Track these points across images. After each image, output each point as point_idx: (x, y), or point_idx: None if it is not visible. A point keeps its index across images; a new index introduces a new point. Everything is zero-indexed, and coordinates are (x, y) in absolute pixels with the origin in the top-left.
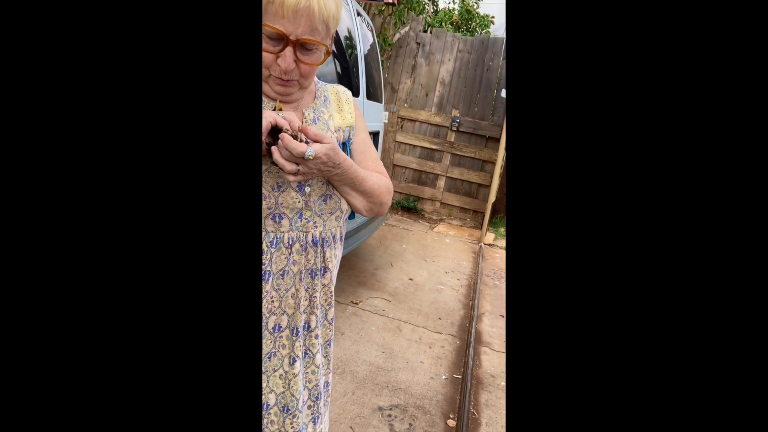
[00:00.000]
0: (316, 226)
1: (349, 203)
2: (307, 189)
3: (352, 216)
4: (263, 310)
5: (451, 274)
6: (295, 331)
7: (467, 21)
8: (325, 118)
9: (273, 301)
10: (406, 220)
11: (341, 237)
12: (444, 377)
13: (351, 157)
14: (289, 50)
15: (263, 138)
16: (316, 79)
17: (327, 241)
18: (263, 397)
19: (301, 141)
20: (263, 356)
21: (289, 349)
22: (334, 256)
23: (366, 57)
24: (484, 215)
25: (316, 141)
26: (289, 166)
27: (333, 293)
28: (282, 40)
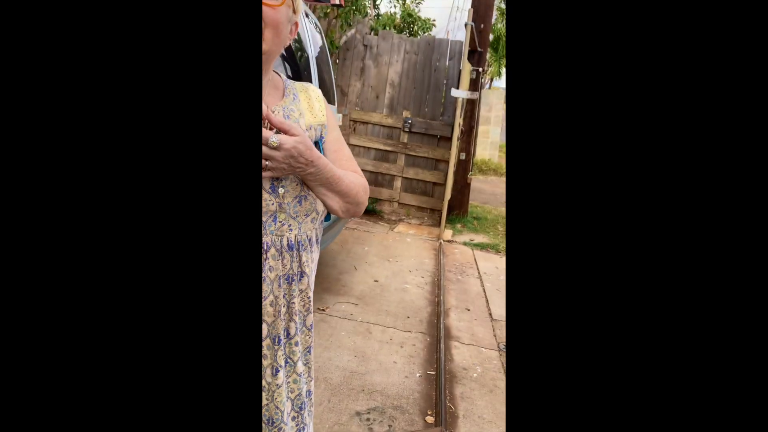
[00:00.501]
0: (291, 230)
1: (325, 204)
2: (281, 190)
3: (328, 218)
4: None
5: (415, 273)
6: (276, 340)
7: (409, 24)
8: (296, 117)
9: None
10: (366, 222)
11: (317, 240)
12: (418, 375)
13: (325, 155)
14: None
15: None
16: (284, 77)
17: (303, 245)
18: None
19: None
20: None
21: (270, 359)
22: (311, 260)
23: (317, 60)
24: (441, 213)
25: (283, 131)
26: None
27: (311, 299)
28: None
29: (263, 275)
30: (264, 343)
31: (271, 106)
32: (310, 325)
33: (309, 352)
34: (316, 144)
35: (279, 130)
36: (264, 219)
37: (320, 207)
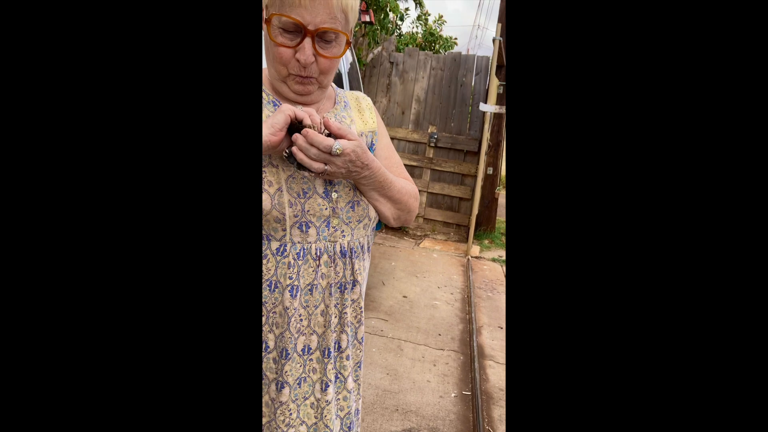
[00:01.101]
0: (344, 236)
1: (377, 210)
2: (334, 195)
3: (378, 226)
4: (292, 330)
5: (444, 289)
6: (326, 353)
7: (431, 43)
8: (347, 123)
9: (301, 320)
10: (392, 238)
11: (368, 247)
12: (453, 395)
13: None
14: (308, 42)
15: (281, 138)
16: (333, 85)
17: (355, 252)
18: (293, 429)
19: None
20: (292, 380)
21: (320, 373)
22: (363, 268)
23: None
24: (468, 228)
25: (339, 137)
26: (316, 165)
27: (363, 309)
28: (300, 31)
29: (315, 282)
30: (313, 356)
31: (323, 113)
32: (362, 338)
33: (359, 367)
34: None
35: (336, 136)
36: (317, 224)
37: (372, 213)
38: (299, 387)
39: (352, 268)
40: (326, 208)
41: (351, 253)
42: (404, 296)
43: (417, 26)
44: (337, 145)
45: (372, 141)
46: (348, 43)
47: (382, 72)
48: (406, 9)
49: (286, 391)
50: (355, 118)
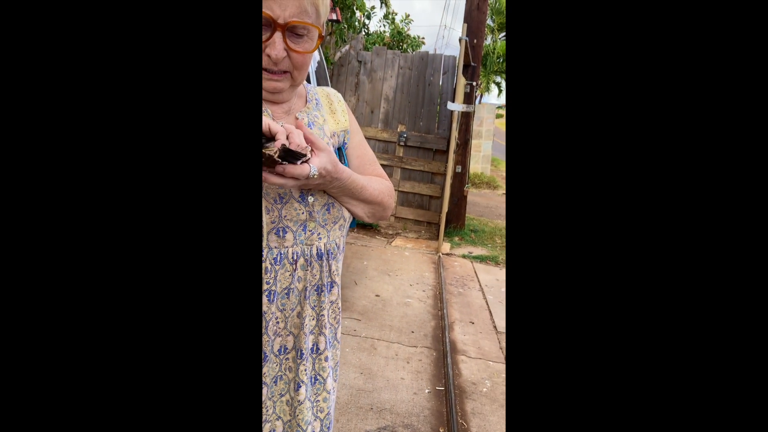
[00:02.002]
0: (320, 238)
1: (350, 211)
2: (310, 199)
3: (353, 224)
4: (269, 333)
5: (416, 287)
6: (299, 353)
7: (399, 42)
8: (320, 123)
9: (278, 322)
10: (363, 237)
11: (343, 247)
12: (427, 391)
13: (348, 161)
14: (278, 36)
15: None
16: (304, 82)
17: (332, 253)
18: (269, 424)
19: (299, 150)
20: (269, 380)
21: (295, 372)
22: (339, 268)
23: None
24: (438, 226)
25: (311, 145)
26: (291, 184)
27: (340, 309)
28: (270, 26)
29: (291, 286)
30: (289, 356)
31: (296, 112)
32: (339, 338)
33: (337, 367)
34: (339, 150)
35: (307, 144)
36: (294, 228)
37: (347, 214)
38: (275, 385)
39: (329, 269)
40: (303, 213)
41: (328, 255)
42: (377, 295)
43: (384, 25)
44: (314, 170)
45: (344, 140)
46: (320, 38)
47: (351, 71)
48: (372, 7)
49: (263, 390)
50: (327, 117)
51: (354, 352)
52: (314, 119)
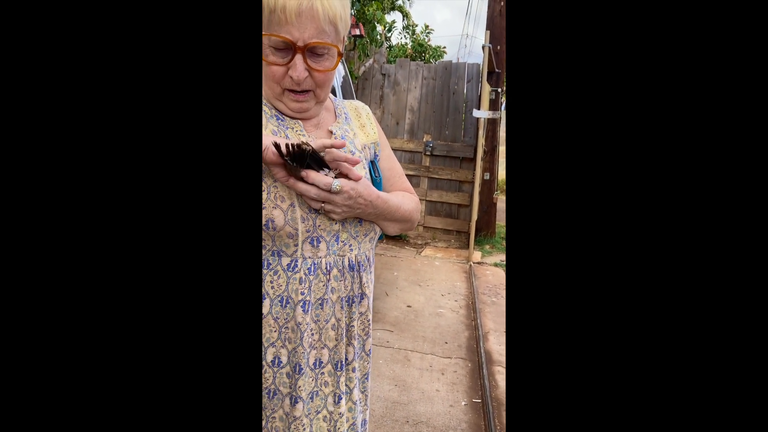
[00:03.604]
0: (351, 249)
1: (380, 227)
2: None
3: (381, 236)
4: (304, 344)
5: (448, 296)
6: (339, 365)
7: (420, 54)
8: (350, 137)
9: (313, 334)
10: (392, 247)
11: (373, 259)
12: (463, 403)
13: (380, 174)
14: (299, 58)
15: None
16: (332, 96)
17: (363, 265)
18: None
19: (331, 165)
20: (305, 395)
21: (332, 386)
22: (370, 281)
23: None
24: (468, 234)
25: (343, 173)
26: (314, 204)
27: (370, 322)
28: (290, 49)
29: (325, 297)
30: (325, 370)
31: (327, 127)
32: (369, 350)
33: (367, 378)
34: (372, 163)
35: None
36: (328, 239)
37: (377, 227)
38: (311, 401)
39: (360, 281)
40: (336, 223)
41: (359, 266)
42: (408, 306)
43: (405, 37)
44: (336, 183)
45: (375, 152)
46: (339, 55)
47: (375, 84)
48: (393, 21)
49: (299, 405)
50: (357, 130)
51: (388, 363)
52: (345, 133)
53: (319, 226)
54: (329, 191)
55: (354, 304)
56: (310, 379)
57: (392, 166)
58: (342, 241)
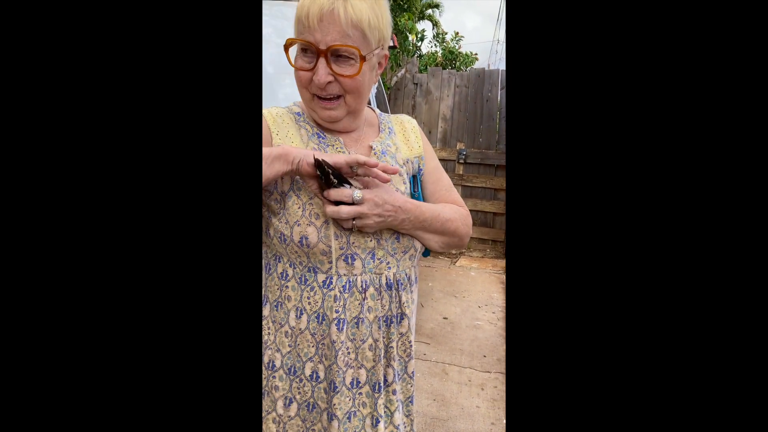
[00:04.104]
0: (389, 267)
1: (422, 242)
2: None
3: (426, 253)
4: (339, 363)
5: (485, 308)
6: (376, 387)
7: (451, 61)
8: (392, 151)
9: (349, 353)
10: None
11: (416, 278)
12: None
13: (423, 188)
14: (321, 62)
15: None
16: (377, 111)
17: (402, 284)
18: None
19: (349, 176)
20: (341, 414)
21: (370, 407)
22: (411, 300)
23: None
24: (504, 244)
25: (363, 183)
26: (346, 224)
27: (412, 343)
28: (314, 53)
29: (361, 316)
30: (363, 390)
31: (368, 142)
32: (412, 373)
33: (411, 402)
34: (414, 177)
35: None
36: (363, 256)
37: (418, 244)
38: (349, 421)
39: (399, 300)
40: (371, 240)
41: (397, 285)
42: (444, 318)
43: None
44: (357, 193)
45: (419, 166)
46: (362, 59)
47: (407, 94)
48: (423, 30)
49: (335, 423)
50: (401, 144)
51: (425, 377)
52: (387, 148)
53: (353, 243)
54: (353, 203)
55: (393, 325)
56: (347, 399)
57: (438, 178)
58: (378, 259)
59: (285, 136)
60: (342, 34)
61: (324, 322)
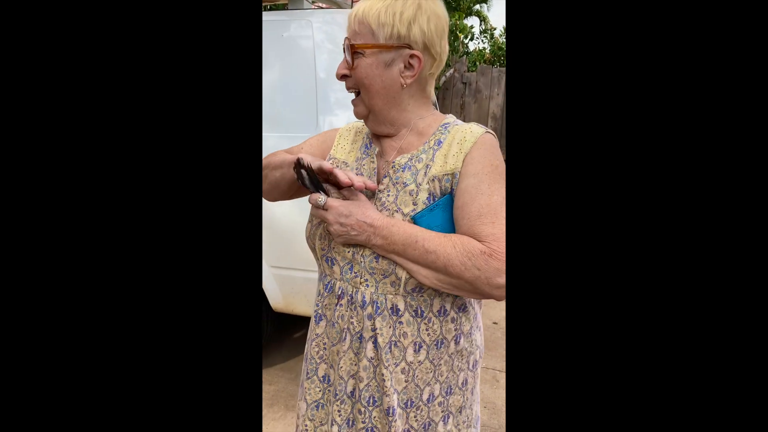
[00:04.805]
0: (367, 285)
1: (408, 272)
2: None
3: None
4: (312, 353)
5: None
6: (371, 401)
7: (500, 57)
8: (418, 167)
9: (325, 348)
10: None
11: (421, 313)
12: None
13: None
14: (345, 56)
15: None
16: (449, 119)
17: (379, 309)
18: None
19: (329, 183)
20: (307, 407)
21: (345, 413)
22: (390, 329)
23: None
24: None
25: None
26: (320, 213)
27: (384, 378)
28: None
29: (334, 320)
30: (331, 388)
31: (406, 151)
32: (389, 409)
33: (461, 412)
34: (448, 196)
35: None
36: (341, 264)
37: (401, 272)
38: (316, 411)
39: (373, 323)
40: (348, 251)
41: (374, 307)
42: (494, 323)
43: (483, 41)
44: (321, 199)
45: (452, 185)
46: (364, 53)
47: (455, 93)
48: (471, 26)
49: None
50: (438, 159)
51: None
52: (413, 163)
53: (334, 248)
54: (316, 205)
55: (363, 341)
56: (347, 407)
57: (466, 202)
58: (355, 272)
59: (340, 147)
60: (352, 31)
61: (314, 317)
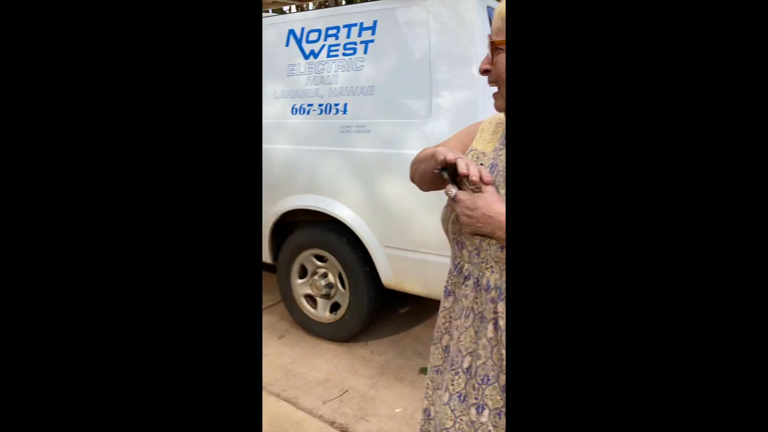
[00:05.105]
0: (492, 271)
1: None
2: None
3: None
4: (439, 323)
5: None
6: (469, 372)
7: None
8: (502, 158)
9: (450, 321)
10: None
11: None
12: None
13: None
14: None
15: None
16: None
17: (502, 295)
18: None
19: (474, 185)
20: (430, 369)
21: (459, 386)
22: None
23: None
24: None
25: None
26: (452, 204)
27: (503, 357)
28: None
29: (460, 298)
30: (448, 357)
31: (494, 144)
32: (503, 387)
33: (499, 415)
34: None
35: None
36: (470, 248)
37: None
38: (435, 374)
39: (495, 308)
40: (476, 238)
41: (497, 292)
42: None
43: None
44: (452, 191)
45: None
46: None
47: None
48: None
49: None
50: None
51: None
52: (500, 153)
53: (463, 233)
54: (451, 198)
55: (485, 321)
56: (460, 380)
57: None
58: (481, 258)
59: (481, 138)
60: (496, 26)
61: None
